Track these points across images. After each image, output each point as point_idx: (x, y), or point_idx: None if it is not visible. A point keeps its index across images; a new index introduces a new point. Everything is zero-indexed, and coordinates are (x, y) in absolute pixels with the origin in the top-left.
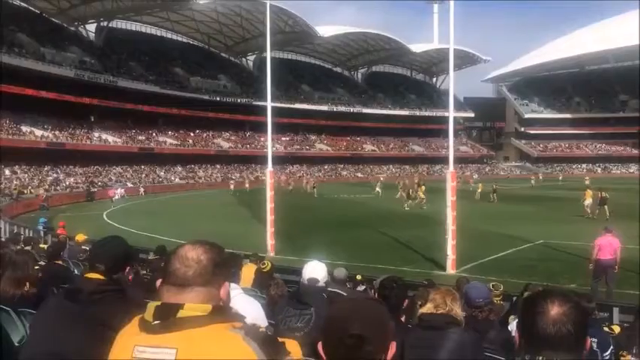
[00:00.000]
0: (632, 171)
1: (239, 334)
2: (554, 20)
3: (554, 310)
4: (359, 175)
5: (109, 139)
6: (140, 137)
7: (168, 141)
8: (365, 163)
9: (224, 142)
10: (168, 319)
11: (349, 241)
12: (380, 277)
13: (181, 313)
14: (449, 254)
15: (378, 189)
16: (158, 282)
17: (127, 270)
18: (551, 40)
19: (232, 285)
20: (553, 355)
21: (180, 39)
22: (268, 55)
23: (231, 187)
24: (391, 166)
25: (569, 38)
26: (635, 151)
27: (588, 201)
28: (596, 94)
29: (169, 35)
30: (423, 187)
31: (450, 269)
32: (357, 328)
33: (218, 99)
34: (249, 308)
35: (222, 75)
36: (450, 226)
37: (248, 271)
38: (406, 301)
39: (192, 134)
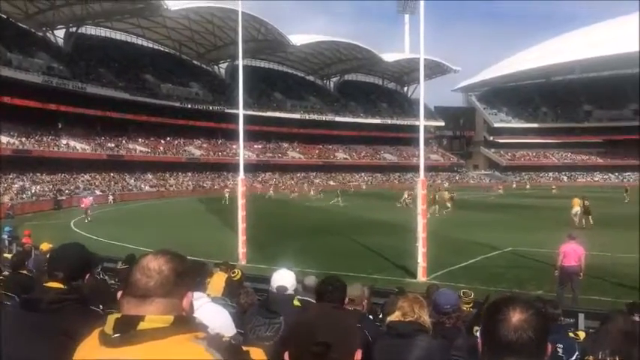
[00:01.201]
0: (596, 179)
1: (202, 344)
2: (522, 32)
3: (516, 316)
4: (331, 183)
5: (77, 146)
6: (109, 144)
7: (138, 148)
8: (337, 171)
9: (196, 150)
10: (128, 331)
11: (321, 248)
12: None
13: (142, 325)
14: (419, 262)
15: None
16: (119, 294)
17: (86, 277)
18: (518, 51)
19: (198, 294)
20: None
21: (151, 46)
22: (240, 62)
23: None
24: (363, 174)
25: (536, 50)
26: (599, 160)
27: (576, 209)
28: (562, 105)
29: (140, 42)
30: (447, 194)
31: (421, 277)
32: (323, 335)
33: (189, 106)
34: (216, 316)
35: (193, 82)
36: (421, 234)
37: (218, 279)
38: (346, 301)
39: (163, 141)
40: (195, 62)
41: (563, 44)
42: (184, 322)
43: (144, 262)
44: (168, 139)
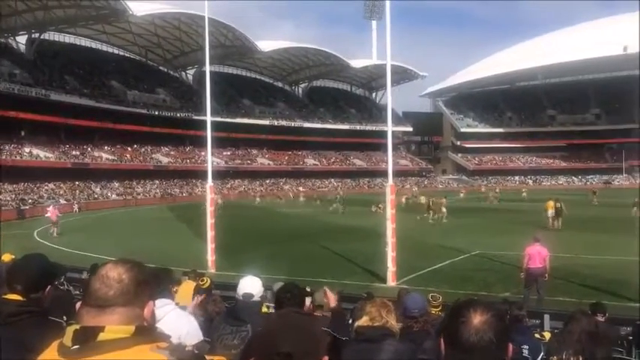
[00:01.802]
0: (560, 182)
1: (164, 354)
2: (487, 39)
3: (477, 319)
4: (301, 189)
5: (41, 154)
6: (74, 152)
7: (104, 156)
8: (306, 177)
9: (163, 157)
10: (88, 343)
11: (291, 255)
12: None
13: (102, 336)
14: (389, 266)
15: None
16: (78, 304)
17: (47, 289)
18: (484, 57)
19: (165, 300)
20: None
21: (116, 52)
22: (207, 68)
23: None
24: (332, 180)
25: (501, 56)
26: (563, 164)
27: (551, 212)
28: (527, 110)
29: (105, 48)
30: (444, 201)
31: (391, 281)
32: (286, 345)
33: (157, 113)
34: (181, 323)
35: (160, 89)
36: (390, 239)
37: (187, 288)
38: (309, 305)
39: (129, 149)
40: (162, 68)
41: (526, 51)
42: (146, 332)
43: (103, 272)
44: (135, 146)
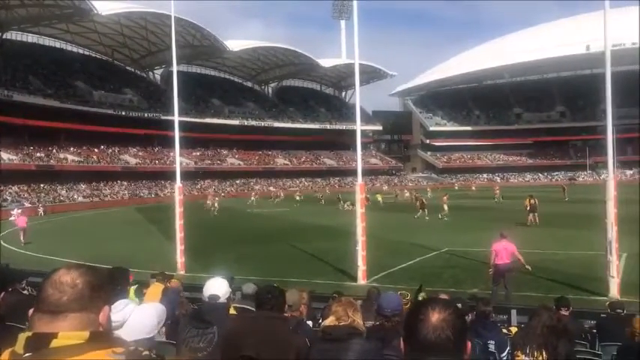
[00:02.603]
0: (527, 179)
1: (120, 359)
2: (454, 38)
3: (435, 317)
4: (271, 189)
5: (4, 156)
6: (38, 154)
7: (70, 157)
8: (277, 177)
9: (131, 158)
10: (40, 350)
11: (262, 255)
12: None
13: (55, 343)
14: (359, 265)
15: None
16: (30, 311)
17: (1, 295)
18: (451, 56)
19: (124, 301)
20: None
21: (81, 51)
22: (174, 68)
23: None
24: (303, 179)
25: (468, 55)
26: (529, 161)
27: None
28: (494, 108)
29: (70, 47)
30: (445, 199)
31: (361, 280)
32: (251, 348)
33: (123, 113)
34: (146, 321)
35: (127, 89)
36: (360, 237)
37: (155, 290)
38: (286, 307)
39: (96, 150)
40: (128, 68)
41: (493, 50)
42: (101, 338)
43: (56, 277)
44: (102, 147)
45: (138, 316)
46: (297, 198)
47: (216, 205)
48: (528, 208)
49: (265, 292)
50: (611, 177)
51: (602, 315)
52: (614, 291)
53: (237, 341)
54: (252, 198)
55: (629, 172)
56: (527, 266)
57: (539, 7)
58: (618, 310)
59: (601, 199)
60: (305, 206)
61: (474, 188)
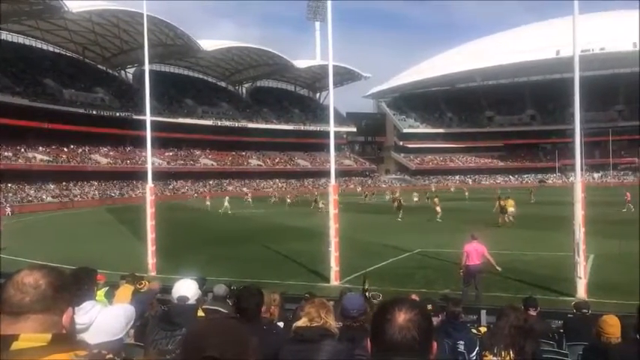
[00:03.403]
0: (498, 181)
1: None
2: (427, 41)
3: (402, 317)
4: (245, 189)
5: None
6: (6, 153)
7: (38, 157)
8: (250, 177)
9: (102, 158)
10: (0, 352)
11: (235, 256)
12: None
13: (16, 345)
14: (332, 266)
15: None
16: None
17: None
18: (425, 59)
19: (90, 303)
20: None
21: (51, 49)
22: (146, 67)
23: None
24: (277, 180)
25: (441, 58)
26: (500, 163)
27: (511, 209)
28: (466, 111)
29: (39, 45)
30: (437, 200)
31: (334, 281)
32: (213, 349)
33: (95, 113)
34: (113, 322)
35: (98, 88)
36: (333, 238)
37: (125, 291)
38: (263, 308)
39: (66, 149)
40: (100, 67)
41: (465, 53)
42: (63, 340)
43: (18, 278)
44: (72, 146)
45: (105, 317)
46: (289, 201)
47: (226, 204)
48: (497, 208)
49: (244, 290)
50: (579, 180)
51: (569, 315)
52: (581, 292)
53: (200, 342)
54: (248, 198)
55: (596, 175)
56: (497, 267)
57: (510, 11)
58: (584, 311)
59: (569, 202)
60: (294, 208)
61: (452, 190)
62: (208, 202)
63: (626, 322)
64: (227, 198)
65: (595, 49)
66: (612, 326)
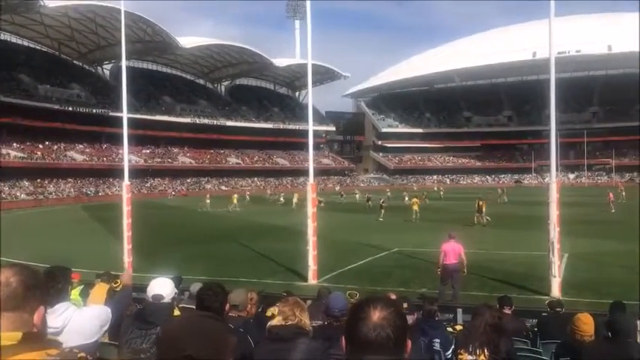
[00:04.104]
0: (475, 181)
1: None
2: (406, 42)
3: (376, 315)
4: (223, 188)
5: None
6: None
7: (12, 153)
8: (229, 176)
9: (78, 155)
10: None
11: (212, 255)
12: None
13: None
14: (310, 265)
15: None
16: None
17: None
18: (404, 59)
19: (64, 304)
20: (375, 358)
21: (26, 44)
22: (123, 63)
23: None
24: (256, 178)
25: (420, 59)
26: (478, 164)
27: (484, 210)
28: (444, 111)
29: (14, 40)
30: (416, 200)
31: (312, 280)
32: (189, 348)
33: (70, 109)
34: (87, 324)
35: (74, 84)
36: (311, 237)
37: (99, 290)
38: (227, 306)
39: (41, 146)
40: (76, 62)
41: (444, 54)
42: (35, 339)
43: None
44: (47, 143)
45: (79, 320)
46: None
47: (235, 201)
48: (475, 209)
49: (206, 289)
50: (554, 180)
51: (543, 314)
52: (555, 290)
53: (175, 341)
54: (247, 197)
55: (571, 176)
56: (464, 270)
57: (487, 13)
58: (557, 309)
59: (544, 201)
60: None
61: (436, 189)
62: (208, 201)
63: (599, 320)
64: (235, 196)
65: (571, 51)
66: (586, 324)
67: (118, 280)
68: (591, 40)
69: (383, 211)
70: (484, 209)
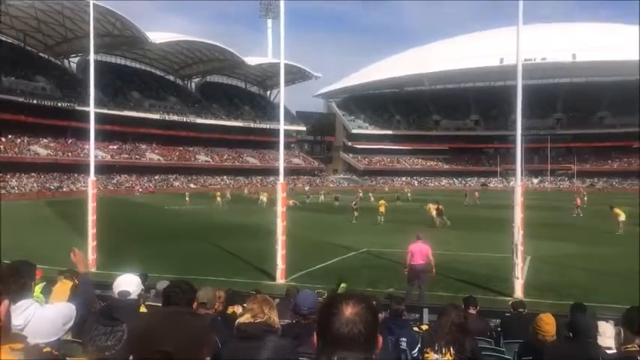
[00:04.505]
0: (443, 184)
1: (18, 356)
2: (378, 44)
3: (349, 310)
4: (192, 185)
5: None
6: None
7: None
8: (198, 173)
9: (42, 149)
10: None
11: (180, 253)
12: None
13: None
14: (278, 264)
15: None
16: None
17: None
18: (375, 61)
19: (27, 301)
20: (347, 354)
21: None
22: (91, 56)
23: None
24: (225, 177)
25: (391, 61)
26: (445, 166)
27: (432, 213)
28: (414, 114)
29: None
30: (383, 202)
31: (280, 279)
32: (166, 343)
33: (35, 102)
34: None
35: (40, 76)
36: (280, 236)
37: (62, 287)
38: (195, 304)
39: (3, 139)
40: (42, 55)
41: (414, 58)
42: None
43: None
44: (10, 136)
45: (41, 317)
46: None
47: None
48: (435, 212)
49: (174, 286)
50: (519, 184)
51: (506, 314)
52: (518, 291)
53: (153, 336)
54: (262, 198)
55: (535, 180)
56: (433, 271)
57: (457, 19)
58: (520, 310)
59: (509, 205)
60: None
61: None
62: (188, 199)
63: (560, 321)
64: (219, 194)
65: (537, 58)
66: (548, 324)
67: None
68: (556, 49)
69: (356, 213)
70: (435, 213)
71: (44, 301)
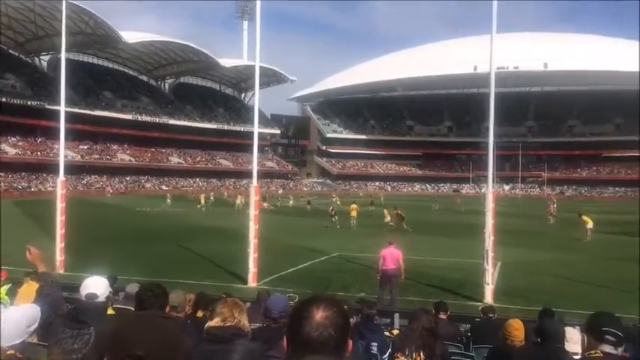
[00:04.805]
0: (416, 189)
1: None
2: (352, 49)
3: (319, 314)
4: (163, 187)
5: None
6: None
7: None
8: (170, 175)
9: (10, 148)
10: None
11: (150, 255)
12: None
13: None
14: (250, 267)
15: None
16: None
17: None
18: (350, 66)
19: None
20: (316, 358)
21: None
22: (63, 55)
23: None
24: (198, 179)
25: (365, 67)
26: (418, 172)
27: (387, 218)
28: (388, 119)
29: None
30: (355, 206)
31: (251, 282)
32: (139, 347)
33: (4, 100)
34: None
35: (9, 74)
36: (252, 239)
37: (29, 289)
38: (167, 307)
39: None
40: (12, 52)
41: (389, 63)
42: None
43: None
44: None
45: (4, 320)
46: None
47: (202, 201)
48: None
49: (146, 289)
50: (490, 190)
51: (476, 319)
52: (488, 297)
53: (125, 339)
54: (237, 202)
55: (506, 187)
56: (403, 276)
57: (431, 27)
58: (490, 315)
59: (480, 211)
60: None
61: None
62: (169, 201)
63: (528, 326)
64: (203, 196)
65: (509, 67)
66: (517, 330)
67: (50, 279)
68: (529, 58)
69: (335, 217)
70: (390, 218)
71: (9, 303)
